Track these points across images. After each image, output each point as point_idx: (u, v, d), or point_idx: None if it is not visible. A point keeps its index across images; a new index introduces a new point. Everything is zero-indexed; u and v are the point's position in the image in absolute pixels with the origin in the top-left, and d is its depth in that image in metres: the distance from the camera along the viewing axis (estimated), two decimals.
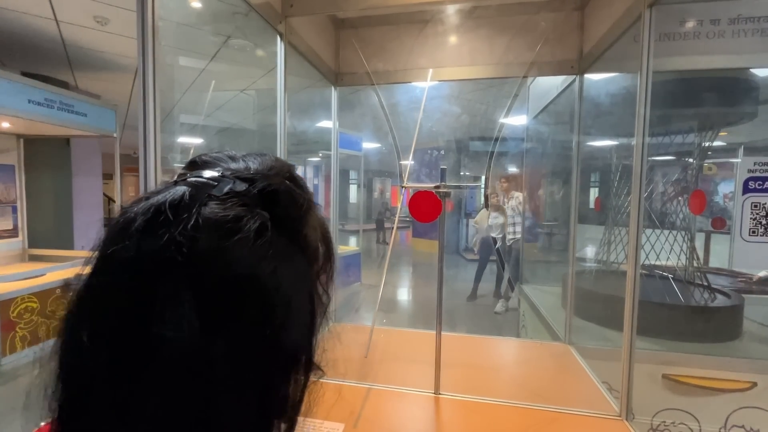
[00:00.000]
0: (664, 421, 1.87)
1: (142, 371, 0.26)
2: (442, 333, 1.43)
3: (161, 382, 0.26)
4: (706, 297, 2.17)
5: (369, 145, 7.69)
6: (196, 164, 0.34)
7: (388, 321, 4.93)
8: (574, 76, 1.90)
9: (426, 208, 1.24)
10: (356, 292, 5.72)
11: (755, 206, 0.80)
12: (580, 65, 1.83)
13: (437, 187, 1.43)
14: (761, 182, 0.78)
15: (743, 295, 2.29)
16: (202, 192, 0.29)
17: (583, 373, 1.64)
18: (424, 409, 1.35)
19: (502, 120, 1.43)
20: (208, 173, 0.31)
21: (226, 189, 0.29)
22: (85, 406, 0.26)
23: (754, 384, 1.79)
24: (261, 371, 0.29)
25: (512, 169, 5.14)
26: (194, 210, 0.27)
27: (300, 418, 1.40)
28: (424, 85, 2.11)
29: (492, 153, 1.61)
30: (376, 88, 1.84)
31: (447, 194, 1.39)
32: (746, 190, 0.81)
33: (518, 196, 4.57)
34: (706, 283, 2.22)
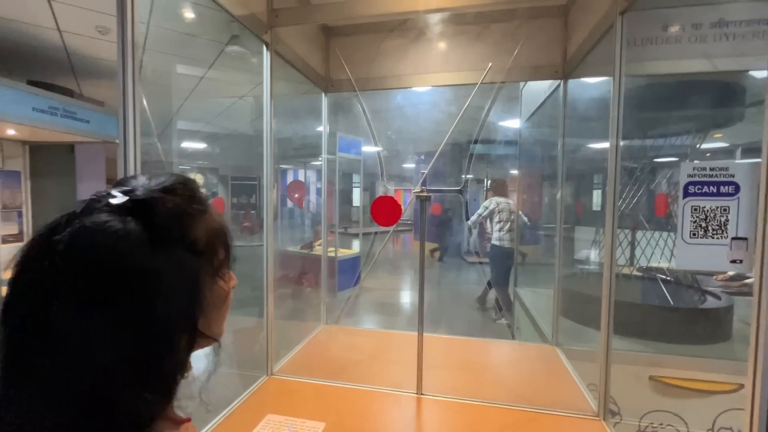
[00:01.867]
0: (652, 423, 1.87)
1: (41, 341, 0.34)
2: (433, 335, 1.47)
3: (53, 349, 0.34)
4: (696, 299, 2.17)
5: (371, 148, 7.74)
6: (117, 182, 0.45)
7: (386, 323, 4.94)
8: (559, 81, 1.93)
9: (386, 212, 1.27)
10: (355, 295, 5.75)
11: (695, 210, 0.81)
12: (564, 70, 1.86)
13: (422, 191, 1.47)
14: (700, 186, 0.80)
15: (735, 297, 2.29)
16: (92, 205, 0.39)
17: (567, 374, 1.66)
18: (406, 409, 1.37)
19: (480, 123, 1.47)
20: (104, 191, 0.41)
21: (105, 202, 0.39)
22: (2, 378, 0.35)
23: (741, 386, 1.79)
24: (127, 344, 0.36)
25: (510, 172, 4.99)
26: (82, 218, 0.37)
27: (281, 417, 1.41)
28: (418, 88, 2.14)
29: (471, 155, 1.65)
30: (359, 95, 1.88)
31: (428, 198, 1.43)
32: (686, 194, 0.83)
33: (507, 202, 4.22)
34: (696, 285, 2.23)
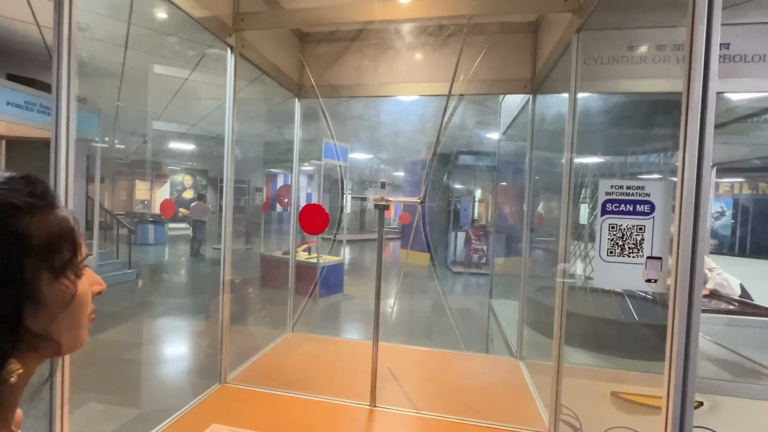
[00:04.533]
0: None
1: None
2: (397, 345, 1.44)
3: None
4: (662, 315, 2.19)
5: (358, 155, 7.76)
6: None
7: (362, 332, 4.90)
8: (528, 95, 1.95)
9: (314, 220, 1.26)
10: (338, 302, 5.71)
11: (612, 227, 0.82)
12: (533, 85, 1.88)
13: (382, 199, 1.46)
14: (617, 204, 0.81)
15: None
16: None
17: (525, 388, 1.65)
18: (355, 421, 1.35)
19: (439, 136, 1.47)
20: None
21: None
22: None
23: (700, 404, 1.80)
24: None
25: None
26: None
27: (226, 428, 1.36)
28: (405, 97, 2.15)
29: (428, 170, 1.66)
30: (321, 102, 1.89)
31: (386, 206, 1.42)
32: (604, 212, 0.83)
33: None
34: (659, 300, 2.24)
